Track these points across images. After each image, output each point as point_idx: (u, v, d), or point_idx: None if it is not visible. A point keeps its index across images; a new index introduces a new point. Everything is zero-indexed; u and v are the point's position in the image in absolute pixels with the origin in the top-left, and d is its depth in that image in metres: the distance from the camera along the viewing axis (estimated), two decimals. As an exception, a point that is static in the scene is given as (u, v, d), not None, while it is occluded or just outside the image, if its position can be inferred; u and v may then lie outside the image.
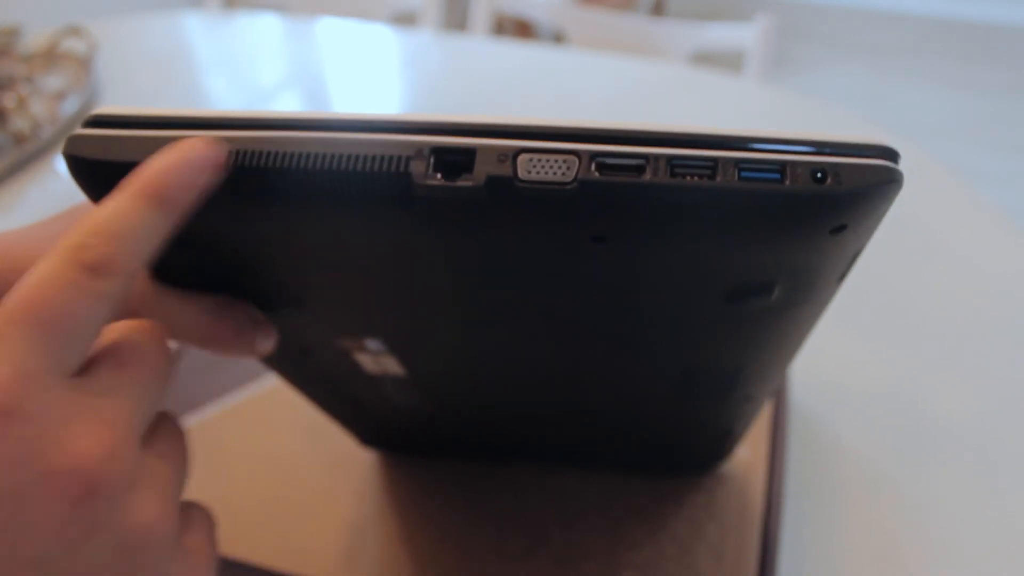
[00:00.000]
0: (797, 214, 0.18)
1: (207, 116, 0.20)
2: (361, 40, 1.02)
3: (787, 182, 0.17)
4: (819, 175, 0.17)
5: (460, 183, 0.18)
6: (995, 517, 0.42)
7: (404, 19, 1.18)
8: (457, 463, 0.42)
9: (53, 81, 0.80)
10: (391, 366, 0.30)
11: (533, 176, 0.18)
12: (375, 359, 0.30)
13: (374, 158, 0.19)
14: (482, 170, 0.18)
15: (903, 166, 0.18)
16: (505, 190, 0.18)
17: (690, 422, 0.33)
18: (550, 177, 0.18)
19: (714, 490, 0.40)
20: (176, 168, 0.19)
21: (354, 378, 0.32)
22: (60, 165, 0.74)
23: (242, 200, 0.20)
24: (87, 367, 0.19)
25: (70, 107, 0.78)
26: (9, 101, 0.74)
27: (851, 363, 0.51)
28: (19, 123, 0.73)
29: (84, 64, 0.83)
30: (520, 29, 2.16)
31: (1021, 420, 0.47)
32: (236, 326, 0.25)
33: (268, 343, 0.27)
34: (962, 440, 0.46)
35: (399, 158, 0.19)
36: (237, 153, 0.19)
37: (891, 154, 0.18)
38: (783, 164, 0.17)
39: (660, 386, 0.29)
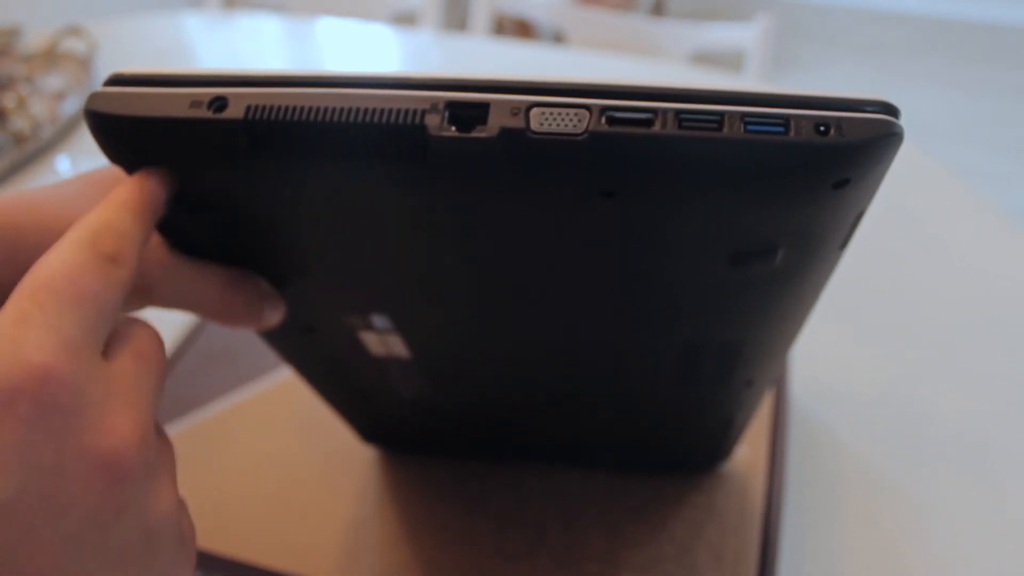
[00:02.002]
0: (801, 166, 0.18)
1: (223, 75, 0.21)
2: (361, 40, 1.02)
3: (791, 134, 0.18)
4: (822, 128, 0.18)
5: (474, 135, 0.19)
6: (994, 516, 0.42)
7: (404, 19, 1.18)
8: (457, 462, 0.42)
9: (53, 81, 0.80)
10: (396, 346, 0.30)
11: (545, 128, 0.19)
12: (380, 338, 0.30)
13: (389, 111, 0.19)
14: (496, 123, 0.19)
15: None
16: (518, 142, 0.19)
17: (691, 410, 0.33)
18: (562, 129, 0.19)
19: (714, 490, 0.40)
20: (131, 199, 0.21)
21: (358, 361, 0.32)
22: (60, 165, 0.74)
23: (258, 157, 0.20)
24: (106, 353, 0.20)
25: (70, 107, 0.78)
26: (9, 101, 0.74)
27: (851, 364, 0.51)
28: (19, 123, 0.73)
29: (84, 64, 0.83)
30: (520, 29, 2.16)
31: (1020, 420, 0.47)
32: (246, 299, 0.26)
33: (276, 316, 0.27)
34: (962, 441, 0.46)
35: (414, 111, 0.19)
36: (253, 108, 0.20)
37: (892, 110, 0.18)
38: (787, 118, 0.18)
39: (662, 365, 0.29)
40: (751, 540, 0.38)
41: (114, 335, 0.20)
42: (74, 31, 0.85)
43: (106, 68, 0.88)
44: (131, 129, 0.21)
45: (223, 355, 0.48)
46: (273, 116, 0.20)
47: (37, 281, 0.18)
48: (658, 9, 2.41)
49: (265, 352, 0.48)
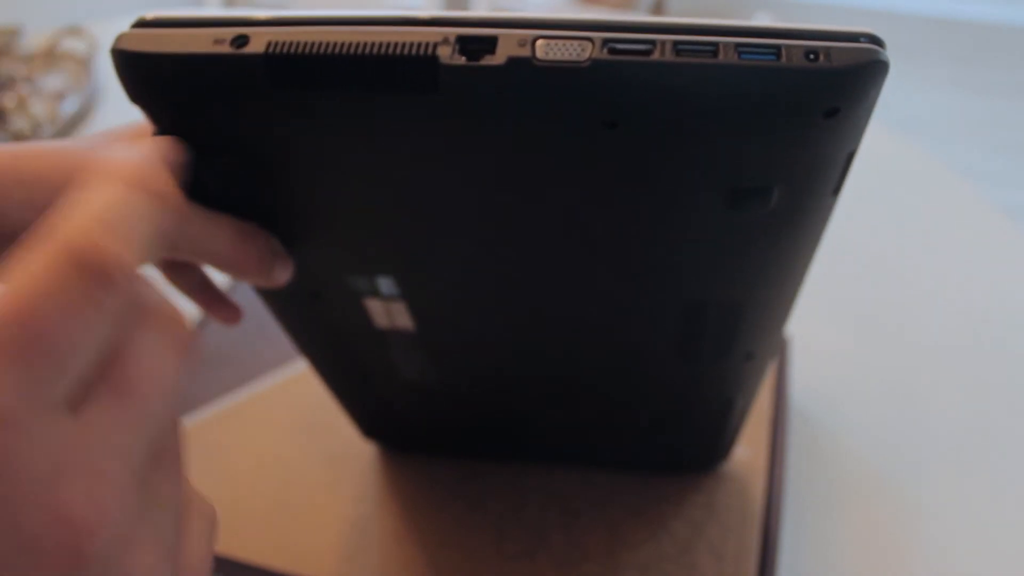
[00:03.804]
0: (792, 92, 0.19)
1: (243, 16, 0.22)
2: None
3: (782, 61, 0.19)
4: (812, 55, 0.19)
5: (483, 63, 0.20)
6: (994, 516, 0.42)
7: (404, 19, 1.18)
8: (457, 462, 0.42)
9: (53, 81, 0.80)
10: (400, 317, 0.31)
11: (550, 57, 0.20)
12: (385, 306, 0.30)
13: (403, 44, 0.20)
14: (503, 52, 0.20)
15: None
16: (524, 69, 0.20)
17: (693, 388, 0.33)
18: (566, 57, 0.20)
19: (714, 490, 0.40)
20: (147, 161, 0.18)
21: (362, 335, 0.33)
22: (60, 165, 0.74)
23: (277, 92, 0.21)
24: (83, 398, 0.16)
25: (70, 107, 0.78)
26: (9, 101, 0.74)
27: (851, 363, 0.51)
28: (19, 123, 0.73)
29: (84, 64, 0.83)
30: (520, 29, 2.16)
31: (1020, 420, 0.47)
32: (257, 252, 0.27)
33: (284, 274, 0.28)
34: (962, 441, 0.46)
35: (427, 44, 0.20)
36: (274, 44, 0.21)
37: (877, 40, 0.20)
38: (779, 47, 0.19)
39: (664, 331, 0.29)
40: (751, 540, 0.38)
41: (103, 366, 0.16)
42: (74, 31, 0.85)
43: (106, 68, 0.88)
44: (155, 66, 0.21)
45: (223, 355, 0.48)
46: (293, 51, 0.21)
47: None
48: (658, 9, 2.41)
49: (265, 352, 0.48)
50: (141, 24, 0.22)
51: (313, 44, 0.21)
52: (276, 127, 0.22)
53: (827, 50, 0.19)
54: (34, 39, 0.84)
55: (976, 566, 0.40)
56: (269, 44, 0.21)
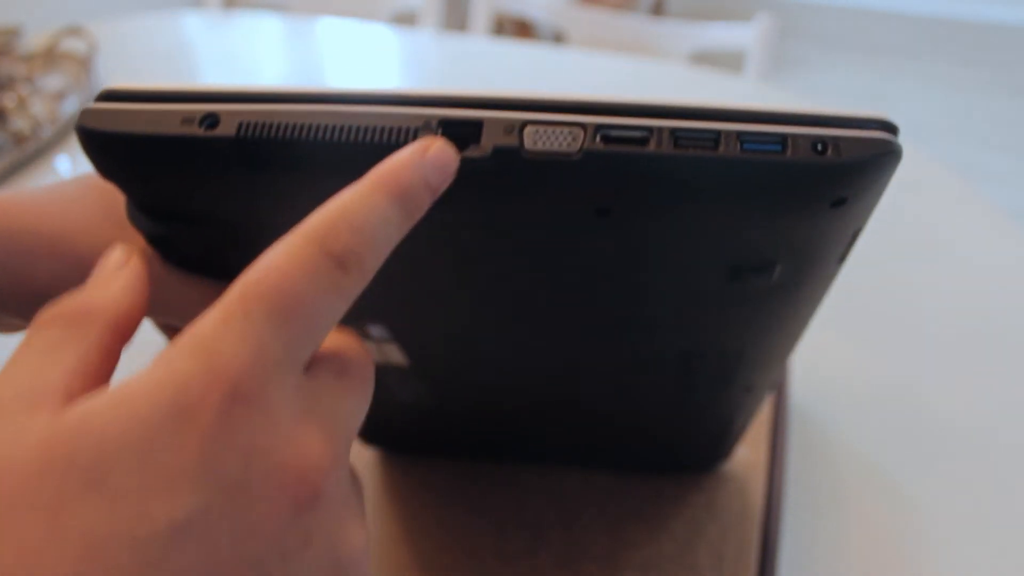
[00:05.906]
0: (798, 185, 0.18)
1: (215, 90, 0.20)
2: (361, 40, 1.02)
3: (788, 153, 0.18)
4: (819, 147, 0.17)
5: (467, 154, 0.19)
6: (994, 516, 0.42)
7: (404, 19, 1.18)
8: (457, 463, 0.42)
9: (53, 81, 0.80)
10: (393, 355, 0.30)
11: (539, 147, 0.18)
12: (377, 347, 0.30)
13: (382, 130, 0.19)
14: (489, 142, 0.19)
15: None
16: (512, 161, 0.18)
17: (690, 414, 0.33)
18: (556, 148, 0.18)
19: (714, 490, 0.40)
20: (416, 165, 0.18)
21: None
22: (60, 165, 0.74)
23: (250, 173, 0.20)
24: (310, 368, 0.18)
25: (70, 107, 0.78)
26: (9, 101, 0.74)
27: (851, 363, 0.51)
28: (19, 123, 0.73)
29: (84, 64, 0.83)
30: (520, 29, 2.16)
31: (1020, 420, 0.47)
32: None
33: None
34: (962, 440, 0.46)
35: (407, 130, 0.19)
36: (245, 125, 0.19)
37: (890, 127, 0.18)
38: (784, 136, 0.18)
39: (661, 373, 0.29)
40: (751, 540, 0.38)
41: (321, 348, 0.19)
42: (74, 31, 0.85)
43: (106, 68, 0.88)
44: (122, 146, 0.20)
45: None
46: (265, 133, 0.19)
47: (249, 282, 0.17)
48: (658, 9, 2.41)
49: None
50: (108, 97, 0.21)
51: (286, 126, 0.19)
52: (251, 203, 0.21)
53: (835, 141, 0.17)
54: (34, 39, 0.84)
55: (976, 566, 0.39)
56: (240, 126, 0.19)
